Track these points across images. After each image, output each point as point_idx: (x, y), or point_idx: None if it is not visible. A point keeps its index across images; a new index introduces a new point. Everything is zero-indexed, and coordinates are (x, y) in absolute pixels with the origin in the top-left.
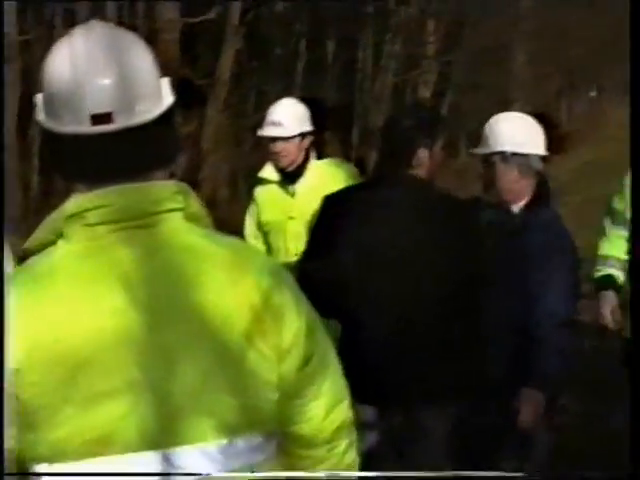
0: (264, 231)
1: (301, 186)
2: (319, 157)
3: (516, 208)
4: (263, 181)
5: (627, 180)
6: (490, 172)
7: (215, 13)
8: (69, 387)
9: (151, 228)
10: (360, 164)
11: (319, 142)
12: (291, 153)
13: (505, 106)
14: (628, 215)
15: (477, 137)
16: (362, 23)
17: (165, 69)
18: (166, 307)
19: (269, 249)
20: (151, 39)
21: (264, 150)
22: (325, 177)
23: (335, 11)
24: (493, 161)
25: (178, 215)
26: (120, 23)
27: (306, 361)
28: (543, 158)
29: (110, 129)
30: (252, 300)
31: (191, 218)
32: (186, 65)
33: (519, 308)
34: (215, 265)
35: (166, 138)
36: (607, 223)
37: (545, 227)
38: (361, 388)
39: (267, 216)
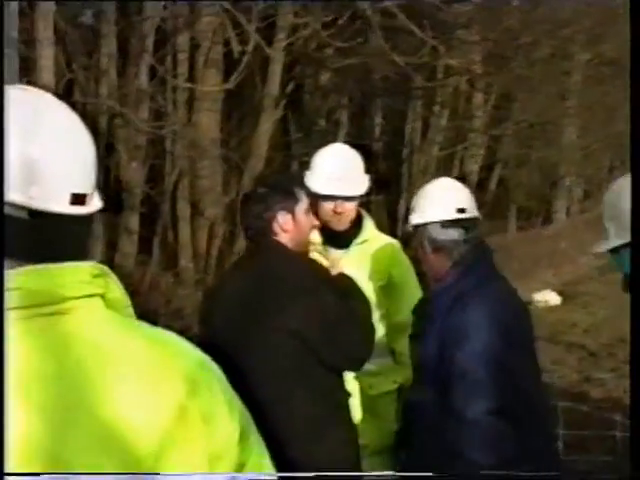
0: None
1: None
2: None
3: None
4: None
5: None
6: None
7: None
8: None
9: (64, 316)
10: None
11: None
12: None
13: (555, 181)
14: None
15: (527, 211)
16: (409, 95)
17: (207, 140)
18: (68, 416)
19: None
20: (191, 105)
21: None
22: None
23: (382, 83)
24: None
25: (97, 301)
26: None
27: (239, 468)
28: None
29: (83, 212)
30: (177, 402)
31: (112, 305)
32: (225, 134)
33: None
34: (132, 367)
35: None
36: None
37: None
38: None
39: None
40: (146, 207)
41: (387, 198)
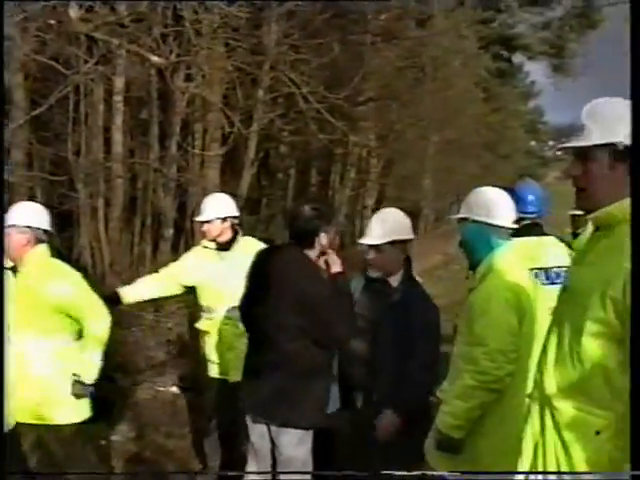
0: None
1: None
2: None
3: (394, 282)
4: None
5: None
6: (380, 255)
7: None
8: None
9: None
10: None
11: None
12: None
13: (417, 213)
14: None
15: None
16: (332, 159)
17: (211, 185)
18: None
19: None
20: (202, 164)
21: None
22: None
23: (316, 152)
24: (381, 247)
25: None
26: None
27: None
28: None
29: None
30: None
31: None
32: (222, 182)
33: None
34: None
35: None
36: None
37: (420, 300)
38: None
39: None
40: (174, 224)
41: None
